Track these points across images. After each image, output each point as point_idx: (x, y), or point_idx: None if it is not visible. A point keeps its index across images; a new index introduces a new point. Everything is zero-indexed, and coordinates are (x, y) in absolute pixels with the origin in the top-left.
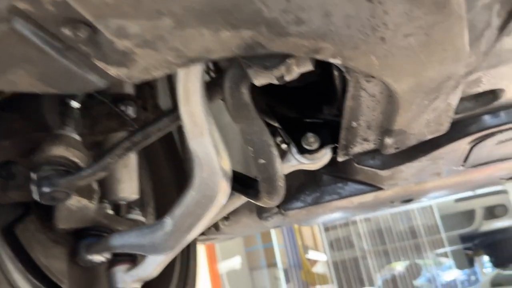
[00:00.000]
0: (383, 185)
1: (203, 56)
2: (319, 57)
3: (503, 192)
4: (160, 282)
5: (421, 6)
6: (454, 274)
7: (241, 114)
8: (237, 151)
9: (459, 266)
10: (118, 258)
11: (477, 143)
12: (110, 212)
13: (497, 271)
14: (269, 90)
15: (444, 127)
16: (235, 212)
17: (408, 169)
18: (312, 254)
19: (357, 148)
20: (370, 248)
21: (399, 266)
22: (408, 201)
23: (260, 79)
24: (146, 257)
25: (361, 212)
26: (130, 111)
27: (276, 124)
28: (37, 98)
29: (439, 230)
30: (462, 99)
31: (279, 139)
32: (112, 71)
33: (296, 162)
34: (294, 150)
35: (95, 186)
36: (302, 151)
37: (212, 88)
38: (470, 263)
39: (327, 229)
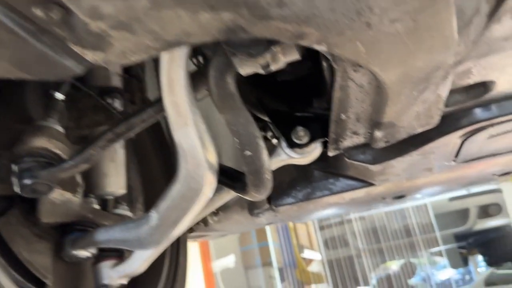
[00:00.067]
0: (374, 181)
1: (183, 40)
2: (304, 43)
3: (497, 191)
4: (148, 278)
5: None
6: (448, 273)
7: (226, 104)
8: (229, 148)
9: (453, 265)
10: (104, 253)
11: (468, 137)
12: (97, 206)
13: (491, 270)
14: (260, 84)
15: (435, 120)
16: (226, 208)
17: (399, 164)
18: (307, 253)
19: (347, 142)
20: (365, 246)
21: (394, 265)
22: (400, 197)
23: (246, 68)
24: (133, 253)
25: (354, 208)
26: (117, 104)
27: (266, 118)
28: (20, 89)
29: (433, 229)
30: (453, 92)
31: (269, 133)
32: (89, 56)
33: (286, 157)
34: (283, 144)
35: (79, 179)
36: (292, 145)
37: (197, 78)
38: (464, 262)
39: (322, 227)
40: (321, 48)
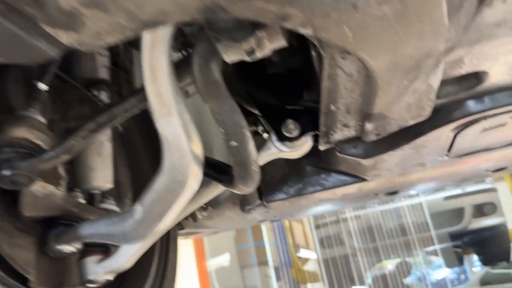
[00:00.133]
0: (366, 176)
1: (160, 19)
2: (288, 25)
3: (492, 190)
4: (137, 275)
5: None
6: (444, 272)
7: (211, 92)
8: (222, 145)
9: (449, 265)
10: (90, 248)
11: (461, 131)
12: (82, 201)
13: (486, 269)
14: (250, 77)
15: (426, 112)
16: (217, 205)
17: (391, 159)
18: (303, 253)
19: (338, 135)
20: (361, 245)
21: (389, 265)
22: (393, 193)
23: (230, 55)
24: (119, 248)
25: (346, 204)
26: (103, 96)
27: (256, 112)
28: (0, 78)
29: (428, 228)
30: (445, 83)
31: (260, 128)
32: (62, 37)
33: (276, 150)
34: (274, 137)
35: (62, 171)
36: (282, 138)
37: (181, 66)
38: (460, 261)
39: (317, 226)
40: (306, 31)
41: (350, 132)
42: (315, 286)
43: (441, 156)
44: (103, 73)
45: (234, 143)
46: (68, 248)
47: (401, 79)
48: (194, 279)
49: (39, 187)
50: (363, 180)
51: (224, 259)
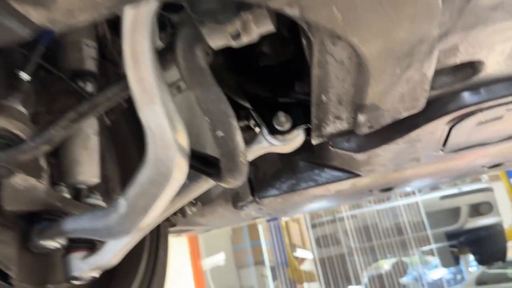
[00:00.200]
0: (360, 171)
1: None
2: (274, 4)
3: (488, 189)
4: (125, 271)
5: None
6: (440, 272)
7: (195, 79)
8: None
9: (445, 264)
10: (75, 244)
11: (456, 123)
12: (67, 195)
13: (482, 269)
14: (242, 69)
15: (420, 103)
16: (210, 202)
17: (385, 153)
18: (299, 252)
19: (330, 128)
20: (357, 245)
21: (386, 265)
22: (387, 189)
23: (215, 39)
24: (105, 244)
25: (340, 201)
26: (89, 87)
27: (247, 104)
28: None
29: (425, 227)
30: (439, 73)
31: (252, 122)
32: (33, 15)
33: (267, 144)
34: (265, 130)
35: (44, 164)
36: (273, 131)
37: (165, 52)
38: (456, 261)
39: (314, 225)
40: (293, 12)
41: (342, 125)
42: (312, 285)
43: (436, 150)
44: (90, 65)
45: (220, 133)
46: (52, 243)
47: (394, 67)
48: (189, 278)
49: (20, 180)
50: (357, 175)
51: (219, 258)
